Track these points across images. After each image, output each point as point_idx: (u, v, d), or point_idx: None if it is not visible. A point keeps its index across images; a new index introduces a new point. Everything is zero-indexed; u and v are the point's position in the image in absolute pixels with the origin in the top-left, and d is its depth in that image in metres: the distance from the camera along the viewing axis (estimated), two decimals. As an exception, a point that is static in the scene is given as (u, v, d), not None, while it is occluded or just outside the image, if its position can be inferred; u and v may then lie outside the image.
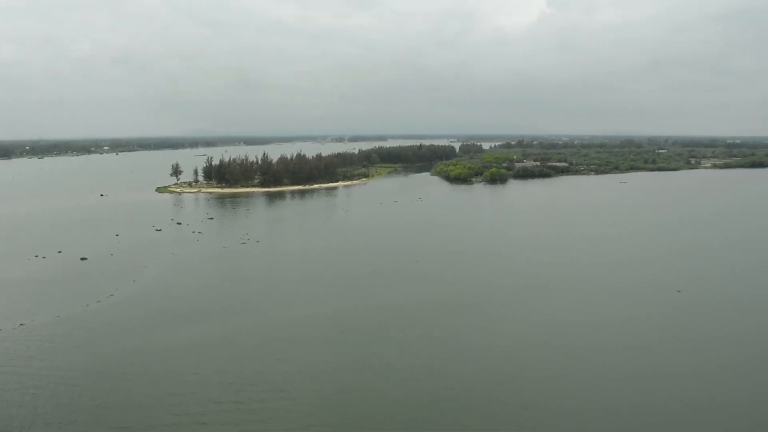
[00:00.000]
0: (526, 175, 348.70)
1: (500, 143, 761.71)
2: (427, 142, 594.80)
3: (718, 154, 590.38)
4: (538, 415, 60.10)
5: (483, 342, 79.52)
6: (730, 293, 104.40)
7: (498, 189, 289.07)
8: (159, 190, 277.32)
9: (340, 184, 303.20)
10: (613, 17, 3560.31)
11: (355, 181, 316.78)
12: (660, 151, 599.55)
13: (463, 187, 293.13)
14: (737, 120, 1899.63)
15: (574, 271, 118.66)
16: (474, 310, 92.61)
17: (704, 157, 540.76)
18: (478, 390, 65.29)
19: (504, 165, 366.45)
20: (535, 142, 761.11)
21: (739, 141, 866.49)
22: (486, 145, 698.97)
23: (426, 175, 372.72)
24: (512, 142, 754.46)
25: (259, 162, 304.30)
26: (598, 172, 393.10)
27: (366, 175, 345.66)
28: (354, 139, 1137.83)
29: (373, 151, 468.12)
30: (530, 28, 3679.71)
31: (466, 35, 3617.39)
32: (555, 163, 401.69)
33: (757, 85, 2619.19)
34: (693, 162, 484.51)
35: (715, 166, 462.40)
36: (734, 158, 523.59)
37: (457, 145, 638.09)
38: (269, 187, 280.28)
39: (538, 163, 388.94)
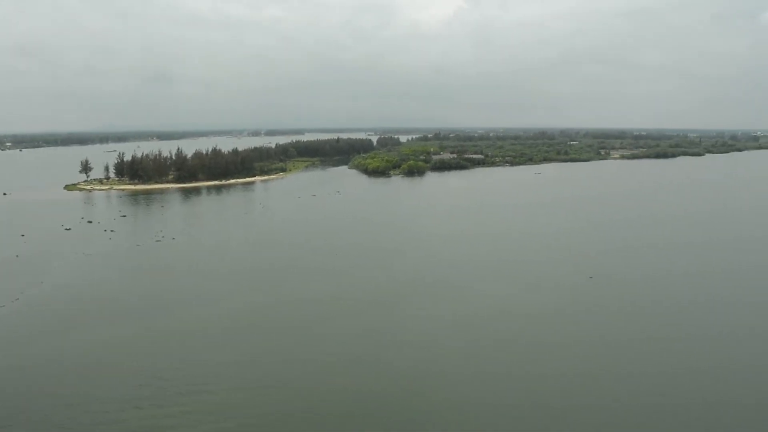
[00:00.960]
0: (443, 167, 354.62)
1: (417, 136, 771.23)
2: (344, 136, 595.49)
3: (626, 145, 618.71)
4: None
5: (398, 338, 79.68)
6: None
7: (416, 182, 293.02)
8: (68, 187, 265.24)
9: (257, 178, 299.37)
10: (526, 13, 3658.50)
11: (272, 176, 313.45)
12: (572, 142, 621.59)
13: (381, 180, 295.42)
14: (644, 112, 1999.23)
15: (490, 265, 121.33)
16: (389, 306, 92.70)
17: (613, 148, 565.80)
18: (395, 384, 66.05)
19: (421, 158, 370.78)
20: (451, 135, 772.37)
21: (645, 133, 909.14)
22: (403, 138, 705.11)
23: (344, 168, 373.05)
24: (429, 135, 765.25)
25: (174, 157, 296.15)
26: (513, 163, 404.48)
27: (284, 170, 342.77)
28: (271, 133, 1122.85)
29: (290, 145, 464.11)
30: (446, 22, 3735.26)
31: (383, 29, 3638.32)
32: (471, 155, 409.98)
33: (662, 79, 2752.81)
34: (603, 153, 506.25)
35: (623, 157, 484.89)
36: (641, 149, 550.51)
37: (374, 139, 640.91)
38: (184, 183, 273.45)
39: (455, 156, 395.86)
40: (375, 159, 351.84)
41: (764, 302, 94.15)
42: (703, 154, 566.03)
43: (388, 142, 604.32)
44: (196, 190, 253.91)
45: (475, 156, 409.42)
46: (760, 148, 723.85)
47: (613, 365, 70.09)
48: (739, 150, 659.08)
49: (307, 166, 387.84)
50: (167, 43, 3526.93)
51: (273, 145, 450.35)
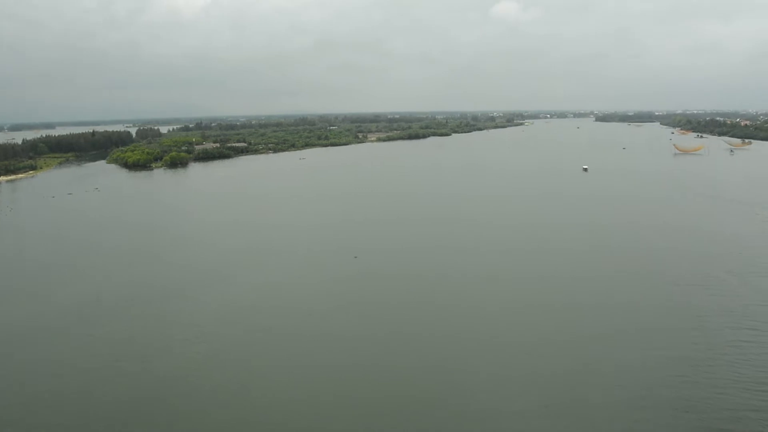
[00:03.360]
0: (207, 157, 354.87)
1: (179, 126, 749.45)
2: (100, 129, 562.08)
3: (381, 128, 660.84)
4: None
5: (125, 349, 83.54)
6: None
7: (179, 173, 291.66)
8: None
9: (2, 179, 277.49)
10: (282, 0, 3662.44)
11: (20, 175, 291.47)
12: (331, 127, 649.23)
13: (142, 174, 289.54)
14: (397, 97, 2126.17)
15: (261, 253, 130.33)
16: (128, 312, 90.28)
17: (370, 131, 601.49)
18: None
19: (184, 148, 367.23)
20: (213, 124, 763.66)
21: (398, 116, 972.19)
22: (164, 129, 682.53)
23: (102, 163, 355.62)
24: (191, 125, 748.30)
25: None
26: (276, 150, 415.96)
27: (33, 167, 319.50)
28: (15, 128, 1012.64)
29: (39, 140, 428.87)
30: (205, 8, 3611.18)
31: (138, 15, 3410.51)
32: (234, 144, 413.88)
33: (412, 65, 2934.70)
34: (360, 136, 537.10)
35: (379, 140, 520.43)
36: (395, 131, 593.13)
37: (133, 131, 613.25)
38: None
39: (218, 145, 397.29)
40: (135, 152, 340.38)
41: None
42: (450, 134, 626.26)
43: (148, 133, 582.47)
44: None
45: (238, 144, 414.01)
46: (497, 127, 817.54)
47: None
48: (480, 129, 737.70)
49: (60, 163, 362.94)
50: None
51: (19, 141, 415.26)
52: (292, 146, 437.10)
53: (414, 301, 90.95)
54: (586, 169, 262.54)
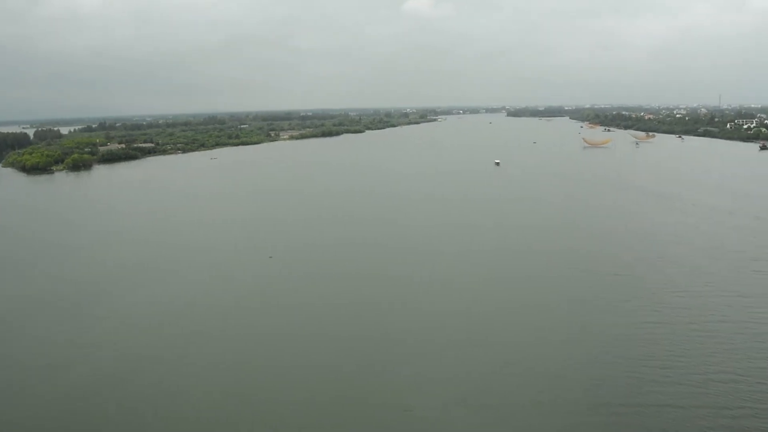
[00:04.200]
0: (112, 158, 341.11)
1: (81, 127, 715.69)
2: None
3: (294, 126, 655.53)
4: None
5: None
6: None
7: (83, 176, 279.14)
8: None
9: None
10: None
11: None
12: (242, 126, 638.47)
13: (43, 178, 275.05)
14: (309, 94, 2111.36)
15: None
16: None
17: (282, 129, 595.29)
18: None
19: (87, 150, 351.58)
20: (118, 124, 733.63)
21: (311, 113, 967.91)
22: (65, 130, 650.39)
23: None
24: (94, 126, 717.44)
25: None
26: (185, 150, 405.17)
27: None
28: None
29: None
30: (106, 1, 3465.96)
31: (33, 9, 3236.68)
32: (141, 144, 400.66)
33: (322, 63, 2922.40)
34: (273, 135, 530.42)
35: (292, 138, 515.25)
36: (308, 129, 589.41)
37: (31, 132, 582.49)
38: None
39: (124, 146, 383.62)
40: (33, 155, 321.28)
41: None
42: (364, 131, 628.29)
43: (47, 135, 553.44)
44: None
45: (145, 145, 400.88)
46: (410, 123, 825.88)
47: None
48: (393, 126, 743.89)
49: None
50: None
51: None
52: (202, 146, 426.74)
53: (324, 299, 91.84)
54: (498, 164, 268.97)
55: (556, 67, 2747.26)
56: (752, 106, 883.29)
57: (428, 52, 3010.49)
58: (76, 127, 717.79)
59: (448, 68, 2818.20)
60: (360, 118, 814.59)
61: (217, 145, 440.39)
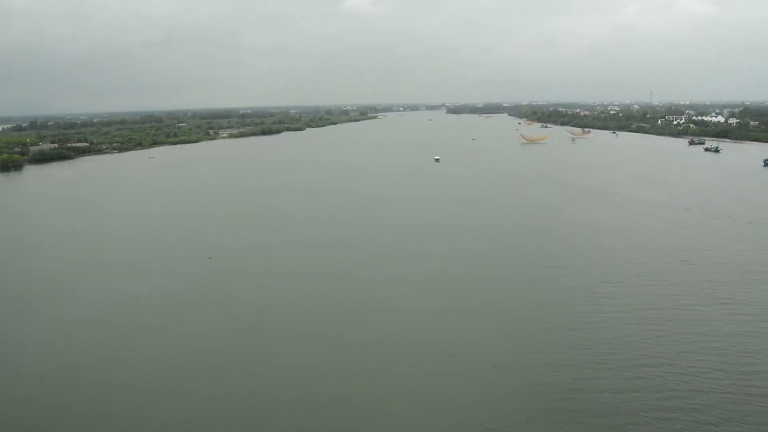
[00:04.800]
0: (44, 159, 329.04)
1: (10, 126, 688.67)
2: None
3: (233, 124, 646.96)
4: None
5: None
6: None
7: (13, 177, 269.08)
8: None
9: None
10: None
11: None
12: (180, 124, 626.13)
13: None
14: (249, 92, 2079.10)
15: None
16: None
17: (221, 127, 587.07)
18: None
19: (17, 150, 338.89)
20: (50, 123, 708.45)
21: (250, 111, 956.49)
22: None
23: None
24: (24, 125, 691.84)
25: None
26: (121, 150, 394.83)
27: None
28: None
29: None
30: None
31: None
32: (75, 144, 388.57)
33: (263, 60, 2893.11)
34: (212, 133, 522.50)
35: (231, 136, 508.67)
36: (247, 127, 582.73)
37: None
38: None
39: (57, 146, 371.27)
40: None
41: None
42: (304, 129, 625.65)
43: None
44: None
45: (79, 144, 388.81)
46: (350, 120, 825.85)
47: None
48: (334, 123, 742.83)
49: None
50: None
51: None
52: (139, 145, 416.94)
53: (269, 298, 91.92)
54: (437, 160, 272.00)
55: (494, 65, 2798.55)
56: (681, 102, 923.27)
57: (368, 50, 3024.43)
58: (5, 126, 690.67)
59: (388, 66, 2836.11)
60: (300, 116, 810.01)
61: (155, 143, 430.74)
